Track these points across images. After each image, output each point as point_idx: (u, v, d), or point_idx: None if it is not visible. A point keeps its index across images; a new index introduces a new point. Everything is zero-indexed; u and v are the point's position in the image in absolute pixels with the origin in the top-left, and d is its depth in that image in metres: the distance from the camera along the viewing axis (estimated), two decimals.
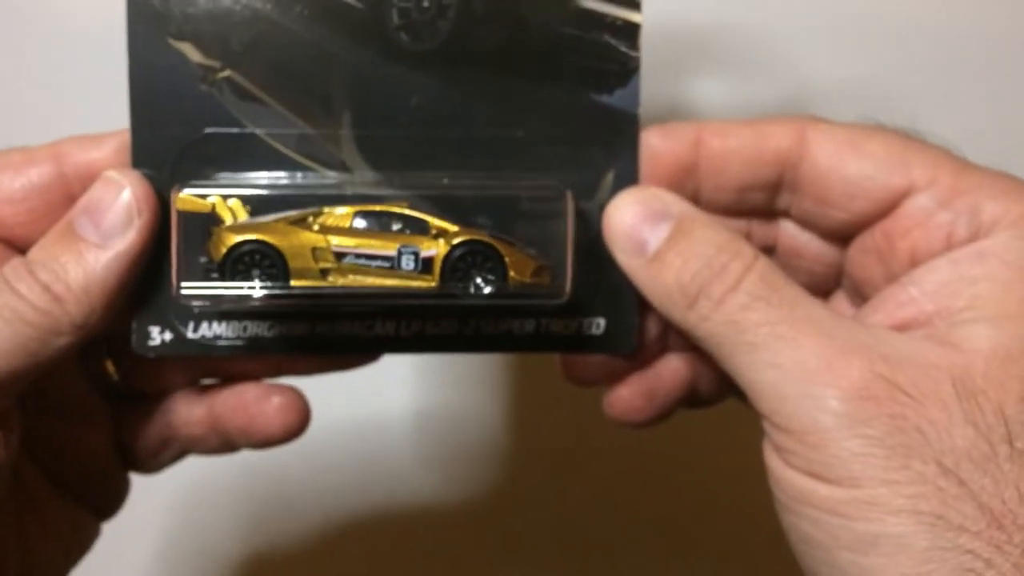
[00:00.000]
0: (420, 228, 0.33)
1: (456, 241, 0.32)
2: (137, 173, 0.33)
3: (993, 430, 0.28)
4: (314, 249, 0.32)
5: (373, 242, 0.32)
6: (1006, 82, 0.57)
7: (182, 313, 0.35)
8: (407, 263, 0.32)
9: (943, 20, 0.56)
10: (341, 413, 0.58)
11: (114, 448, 0.40)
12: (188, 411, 0.39)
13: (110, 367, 0.40)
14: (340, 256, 0.32)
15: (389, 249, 0.32)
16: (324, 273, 0.32)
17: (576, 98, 0.36)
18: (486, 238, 0.33)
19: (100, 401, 0.40)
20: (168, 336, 0.36)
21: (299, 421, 0.39)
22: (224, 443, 0.40)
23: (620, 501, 0.61)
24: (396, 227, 0.33)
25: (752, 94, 0.55)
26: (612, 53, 0.36)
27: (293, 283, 0.32)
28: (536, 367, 0.57)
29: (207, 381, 0.40)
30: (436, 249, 0.32)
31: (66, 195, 0.34)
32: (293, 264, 0.32)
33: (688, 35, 0.54)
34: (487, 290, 0.32)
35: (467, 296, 0.32)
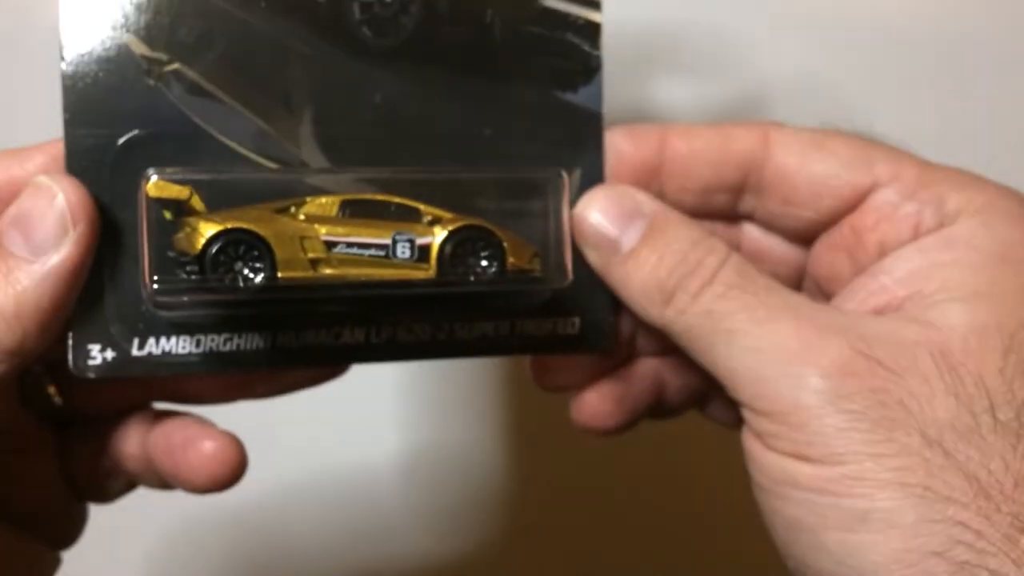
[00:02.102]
0: (413, 216, 0.31)
1: (453, 227, 0.31)
2: (71, 178, 0.30)
3: (975, 401, 0.28)
4: (302, 238, 0.29)
5: (365, 230, 0.30)
6: (966, 82, 0.58)
7: (126, 328, 0.32)
8: (402, 251, 0.30)
9: (907, 22, 0.57)
10: (328, 457, 0.54)
11: (62, 477, 0.36)
12: (127, 445, 0.35)
13: (52, 391, 0.36)
14: (331, 246, 0.30)
15: (383, 237, 0.30)
16: (314, 264, 0.30)
17: (542, 96, 0.35)
18: (484, 223, 0.31)
19: (43, 429, 0.36)
20: (110, 355, 0.31)
21: (228, 473, 0.35)
22: (162, 482, 0.36)
23: (625, 545, 0.59)
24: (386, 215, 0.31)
25: (712, 94, 0.55)
26: (575, 51, 0.36)
27: (281, 275, 0.29)
28: (530, 402, 0.55)
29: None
30: (432, 236, 0.31)
31: None
32: (280, 255, 0.29)
33: (648, 36, 0.54)
34: (489, 277, 0.31)
35: (467, 284, 0.31)
